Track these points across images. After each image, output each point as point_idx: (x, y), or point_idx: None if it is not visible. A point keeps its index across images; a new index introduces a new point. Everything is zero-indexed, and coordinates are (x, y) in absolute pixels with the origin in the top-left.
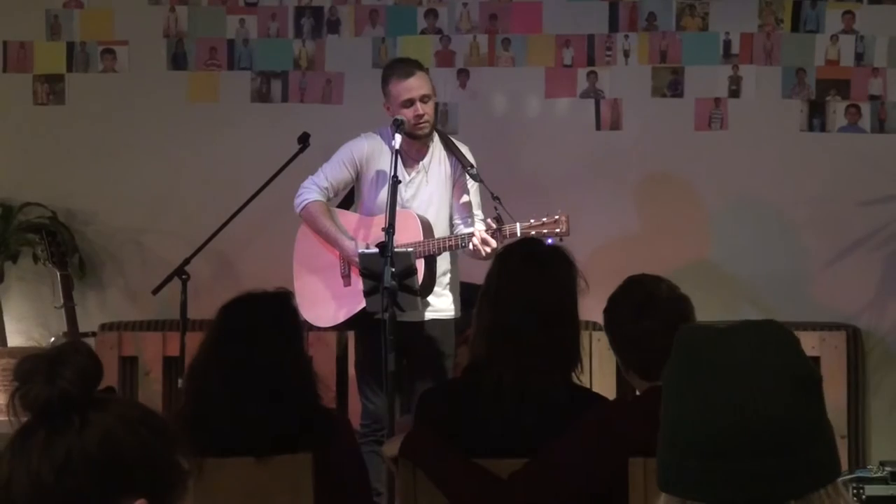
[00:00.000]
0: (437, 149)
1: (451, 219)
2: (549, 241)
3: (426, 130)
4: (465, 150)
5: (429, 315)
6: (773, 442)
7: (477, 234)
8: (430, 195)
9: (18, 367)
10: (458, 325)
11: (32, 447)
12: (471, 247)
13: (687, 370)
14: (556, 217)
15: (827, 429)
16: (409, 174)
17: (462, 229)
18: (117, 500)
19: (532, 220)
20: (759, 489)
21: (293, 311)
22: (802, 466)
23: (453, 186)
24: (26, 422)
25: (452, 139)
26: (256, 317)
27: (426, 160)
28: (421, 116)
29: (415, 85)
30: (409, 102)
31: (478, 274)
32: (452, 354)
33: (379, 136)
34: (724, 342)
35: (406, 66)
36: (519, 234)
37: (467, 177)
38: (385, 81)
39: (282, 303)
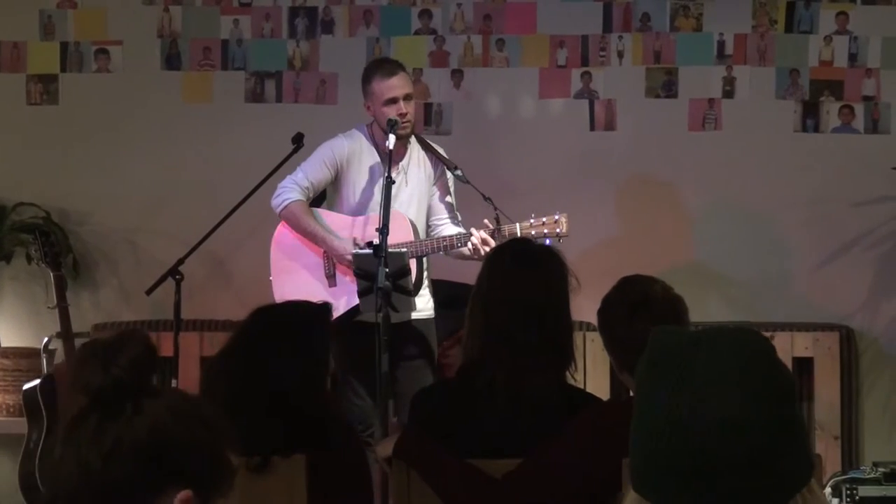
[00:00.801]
0: (415, 150)
1: (427, 220)
2: (548, 241)
3: (408, 130)
4: (441, 150)
5: (413, 315)
6: (746, 458)
7: (476, 234)
8: (409, 196)
9: (78, 353)
10: (449, 325)
11: (83, 432)
12: (469, 246)
13: (657, 377)
14: (556, 217)
15: (799, 433)
16: (389, 176)
17: (444, 230)
18: (163, 490)
19: (532, 220)
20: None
21: (319, 323)
22: (776, 479)
23: (433, 187)
24: (81, 407)
25: (428, 140)
26: (274, 323)
27: (405, 161)
28: (404, 115)
29: (398, 83)
30: (393, 101)
31: (463, 273)
32: (435, 353)
33: (358, 136)
34: (697, 350)
35: (389, 66)
36: (519, 234)
37: (447, 177)
38: (367, 80)
39: (309, 314)
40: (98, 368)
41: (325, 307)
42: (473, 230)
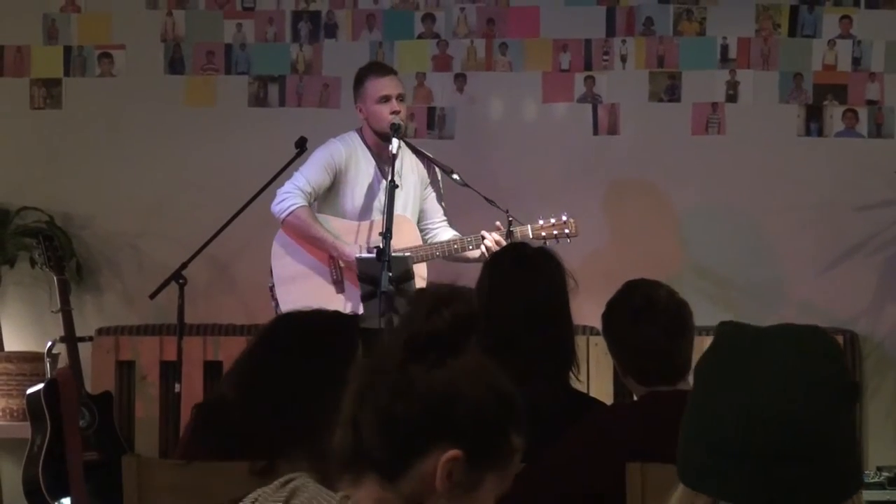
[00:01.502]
0: (406, 155)
1: (418, 224)
2: (557, 242)
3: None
4: (429, 155)
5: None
6: (810, 449)
7: (489, 237)
8: (404, 201)
9: (415, 295)
10: None
11: (388, 366)
12: (483, 249)
13: (728, 368)
14: (565, 219)
15: (856, 439)
16: (385, 179)
17: (440, 234)
18: (437, 443)
19: (542, 222)
20: (793, 495)
21: (342, 334)
22: (835, 476)
23: (425, 191)
24: (393, 346)
25: (416, 145)
26: (291, 331)
27: (398, 166)
28: (397, 113)
29: (392, 83)
30: (386, 98)
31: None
32: None
33: (353, 140)
34: (768, 344)
35: (383, 67)
36: (531, 235)
37: (439, 181)
38: (360, 81)
39: (331, 323)
40: (422, 314)
41: (354, 318)
42: (485, 233)
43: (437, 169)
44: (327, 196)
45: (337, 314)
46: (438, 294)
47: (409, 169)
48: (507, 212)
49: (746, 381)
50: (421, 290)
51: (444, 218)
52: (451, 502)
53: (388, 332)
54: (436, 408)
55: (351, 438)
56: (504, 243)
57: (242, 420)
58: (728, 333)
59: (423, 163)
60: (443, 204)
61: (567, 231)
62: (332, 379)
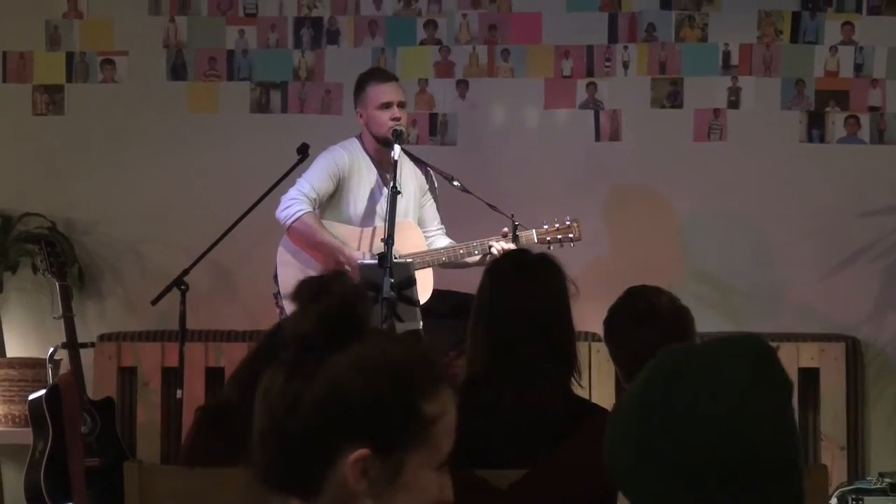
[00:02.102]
0: (405, 162)
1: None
2: (561, 245)
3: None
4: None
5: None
6: (749, 455)
7: (496, 244)
8: (405, 208)
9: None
10: (454, 335)
11: (274, 386)
12: (495, 252)
13: (660, 383)
14: (568, 222)
15: (796, 432)
16: (385, 186)
17: (437, 241)
18: (341, 448)
19: (546, 226)
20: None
21: None
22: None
23: (423, 198)
24: (285, 355)
25: (415, 153)
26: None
27: (397, 174)
28: (398, 119)
29: (393, 90)
30: (387, 105)
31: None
32: None
33: (354, 147)
34: (705, 362)
35: (384, 74)
36: (536, 240)
37: (436, 189)
38: (361, 86)
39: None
40: (294, 320)
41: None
42: (493, 241)
43: (434, 177)
44: (330, 202)
45: None
46: (308, 295)
47: (409, 176)
48: (512, 216)
49: (681, 391)
50: (297, 287)
51: (441, 226)
52: (378, 499)
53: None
54: (327, 414)
55: (264, 461)
56: (512, 247)
57: (245, 424)
58: (668, 358)
59: (422, 170)
60: (438, 211)
61: (571, 235)
62: None
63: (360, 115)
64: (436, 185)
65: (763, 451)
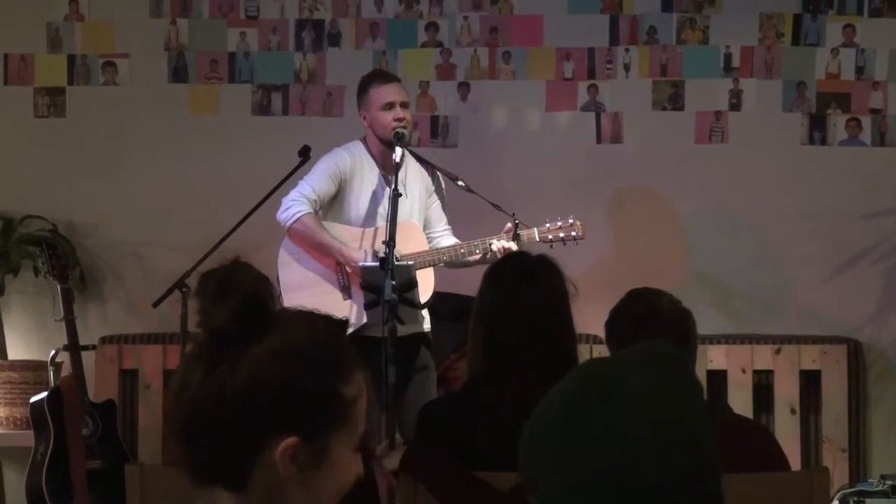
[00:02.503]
0: (410, 162)
1: (424, 231)
2: (564, 244)
3: (408, 134)
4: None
5: (413, 329)
6: (670, 483)
7: (497, 243)
8: (409, 208)
9: (196, 288)
10: (456, 337)
11: (193, 380)
12: (496, 249)
13: (579, 394)
14: (570, 221)
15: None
16: (388, 187)
17: (443, 241)
18: (267, 436)
19: (548, 225)
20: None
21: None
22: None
23: (429, 199)
24: (194, 351)
25: (420, 154)
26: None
27: (402, 174)
28: (401, 120)
29: (395, 90)
30: (390, 105)
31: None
32: (433, 367)
33: (357, 149)
34: (621, 375)
35: (386, 75)
36: (537, 238)
37: (442, 189)
38: (363, 88)
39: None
40: (204, 317)
41: (341, 323)
42: (493, 240)
43: (440, 177)
44: (332, 204)
45: (325, 316)
46: (214, 293)
47: (415, 177)
48: (514, 215)
49: (603, 404)
50: (199, 281)
51: (448, 227)
52: (306, 483)
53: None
54: (252, 404)
55: (185, 455)
56: (513, 246)
57: None
58: (585, 370)
59: (428, 171)
60: (444, 212)
61: (574, 234)
62: None
63: (364, 118)
64: (442, 185)
65: (677, 475)
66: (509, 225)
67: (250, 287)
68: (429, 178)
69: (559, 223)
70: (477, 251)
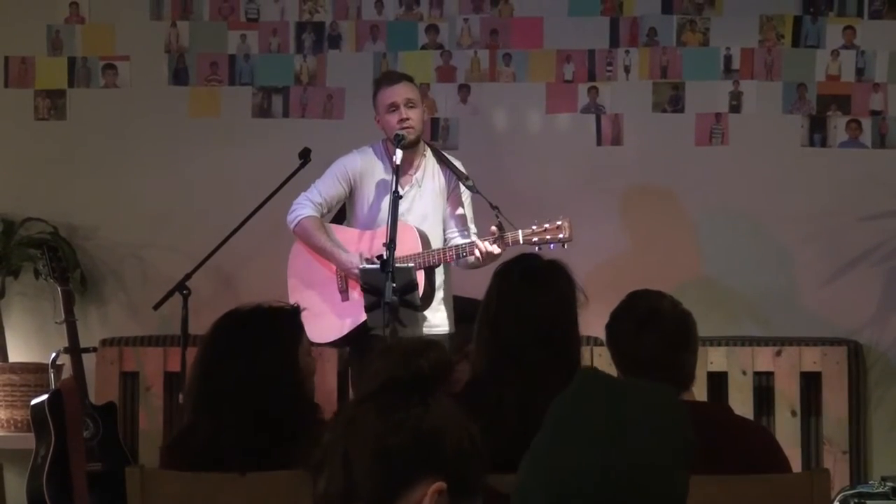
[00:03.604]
0: (429, 162)
1: (443, 232)
2: (552, 247)
3: (412, 136)
4: (458, 164)
5: (424, 330)
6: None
7: (480, 244)
8: (424, 209)
9: (381, 348)
10: (456, 339)
11: (376, 404)
12: (477, 254)
13: (582, 421)
14: (559, 223)
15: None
16: (403, 188)
17: (458, 241)
18: (424, 475)
19: (534, 227)
20: None
21: (282, 325)
22: None
23: (447, 199)
24: (373, 391)
25: (445, 153)
26: (237, 333)
27: (419, 174)
28: (405, 120)
29: (400, 91)
30: (394, 107)
31: (471, 287)
32: None
33: (371, 151)
34: (618, 401)
35: (393, 76)
36: (521, 241)
37: (461, 189)
38: (374, 93)
39: (269, 317)
40: (401, 361)
41: (293, 310)
42: (477, 240)
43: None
44: (348, 206)
45: (271, 305)
46: (412, 345)
47: (430, 176)
48: (498, 217)
49: (599, 436)
50: (394, 341)
51: (462, 227)
52: None
53: (364, 377)
54: (425, 441)
55: (340, 473)
56: (496, 249)
57: (206, 445)
58: (588, 384)
59: (445, 171)
60: (461, 212)
61: (562, 235)
62: (268, 367)
63: (378, 121)
64: (460, 187)
65: None
66: (494, 228)
67: (445, 352)
68: (444, 179)
69: (546, 225)
70: (464, 254)
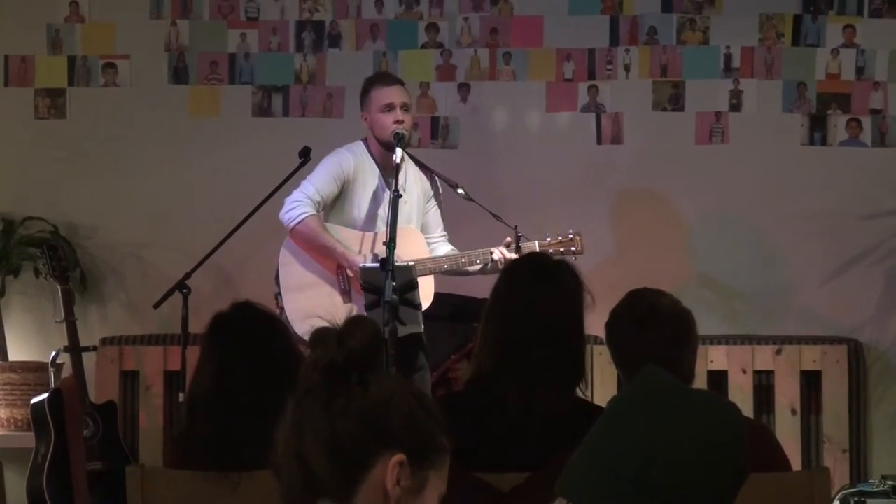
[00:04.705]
0: (410, 167)
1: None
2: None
3: (408, 136)
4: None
5: (410, 329)
6: None
7: (498, 253)
8: (409, 213)
9: (312, 336)
10: (457, 338)
11: (317, 393)
12: (497, 258)
13: (642, 412)
14: (571, 235)
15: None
16: (390, 190)
17: (439, 249)
18: (380, 453)
19: (548, 239)
20: None
21: (268, 325)
22: None
23: (427, 205)
24: (312, 381)
25: (420, 158)
26: (224, 325)
27: (402, 178)
28: (400, 122)
29: (397, 93)
30: (390, 107)
31: (471, 287)
32: (428, 367)
33: (359, 150)
34: (690, 400)
35: (388, 77)
36: (537, 251)
37: (440, 195)
38: (366, 90)
39: (256, 316)
40: (333, 345)
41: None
42: (495, 249)
43: (439, 182)
44: (334, 205)
45: (261, 308)
46: (341, 328)
47: (414, 181)
48: (516, 228)
49: (656, 432)
50: (316, 330)
51: (444, 233)
52: None
53: (302, 370)
54: (374, 419)
55: (298, 472)
56: (514, 258)
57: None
58: (651, 380)
59: (427, 176)
60: (440, 218)
61: (574, 248)
62: (260, 368)
63: (365, 119)
64: (440, 191)
65: None
66: (509, 239)
67: (373, 327)
68: (427, 183)
69: (560, 238)
70: (478, 261)
